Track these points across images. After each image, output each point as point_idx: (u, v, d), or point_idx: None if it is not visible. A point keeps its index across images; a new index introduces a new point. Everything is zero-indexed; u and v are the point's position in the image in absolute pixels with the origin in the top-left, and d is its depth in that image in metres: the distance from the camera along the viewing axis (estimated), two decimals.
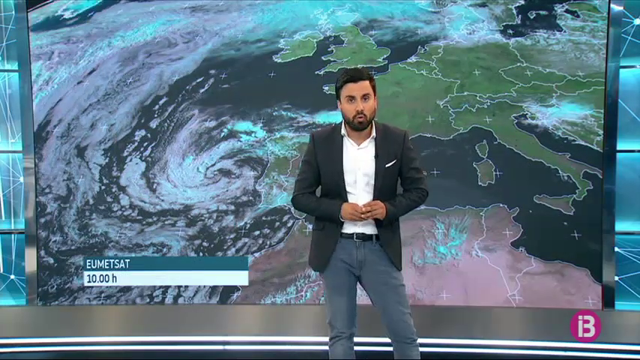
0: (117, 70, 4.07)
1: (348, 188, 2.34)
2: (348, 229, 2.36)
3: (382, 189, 2.33)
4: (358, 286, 2.43)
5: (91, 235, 3.92)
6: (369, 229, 2.35)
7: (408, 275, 3.70)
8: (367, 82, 2.33)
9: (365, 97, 2.32)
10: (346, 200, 2.33)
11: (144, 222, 3.91)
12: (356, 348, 2.39)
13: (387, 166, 2.33)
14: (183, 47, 4.07)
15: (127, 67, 4.07)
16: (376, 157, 2.33)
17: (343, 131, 2.40)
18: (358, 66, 3.09)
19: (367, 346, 3.42)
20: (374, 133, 2.37)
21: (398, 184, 2.43)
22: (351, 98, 2.32)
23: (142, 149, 3.97)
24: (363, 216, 2.26)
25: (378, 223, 2.34)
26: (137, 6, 4.14)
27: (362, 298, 2.48)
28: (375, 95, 2.36)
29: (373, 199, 2.31)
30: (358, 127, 2.32)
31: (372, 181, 2.33)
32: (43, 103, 4.05)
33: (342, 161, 2.35)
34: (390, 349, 2.37)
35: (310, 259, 2.49)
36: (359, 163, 2.34)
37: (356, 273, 2.38)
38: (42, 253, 3.93)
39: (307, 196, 2.44)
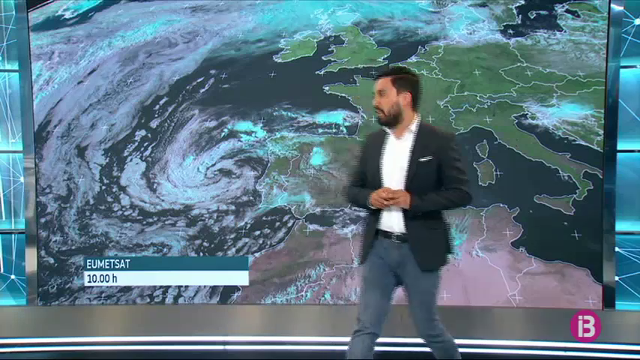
0: (117, 70, 4.07)
1: (384, 181, 2.38)
2: (385, 225, 2.40)
3: (413, 182, 2.34)
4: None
5: (92, 235, 3.93)
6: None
7: None
8: (385, 79, 2.43)
9: (381, 92, 2.42)
10: None
11: (144, 222, 3.91)
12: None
13: (420, 160, 2.36)
14: (184, 47, 4.07)
15: (127, 67, 4.07)
16: (411, 150, 2.38)
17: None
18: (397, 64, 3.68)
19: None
20: (413, 128, 2.42)
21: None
22: (374, 94, 2.46)
23: (142, 149, 3.97)
24: (385, 203, 2.30)
25: (406, 219, 2.36)
26: (137, 6, 4.14)
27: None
28: (397, 91, 2.40)
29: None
30: (378, 121, 2.45)
31: (405, 174, 2.37)
32: (43, 103, 4.05)
33: (381, 155, 2.44)
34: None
35: (359, 253, 2.54)
36: (397, 156, 2.40)
37: (396, 273, 2.40)
38: (42, 253, 3.93)
39: (352, 187, 2.55)
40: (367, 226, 2.49)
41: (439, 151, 2.37)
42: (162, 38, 4.10)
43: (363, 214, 3.48)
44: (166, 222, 3.89)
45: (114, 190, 3.95)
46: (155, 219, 3.90)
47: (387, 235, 2.39)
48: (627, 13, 3.72)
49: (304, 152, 3.85)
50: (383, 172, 2.40)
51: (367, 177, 2.50)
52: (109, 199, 3.95)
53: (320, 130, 3.86)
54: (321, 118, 3.88)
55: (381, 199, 2.31)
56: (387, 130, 2.47)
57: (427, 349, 3.62)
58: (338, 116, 3.86)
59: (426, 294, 2.37)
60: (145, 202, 3.92)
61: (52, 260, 3.93)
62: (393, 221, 2.38)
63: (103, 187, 3.96)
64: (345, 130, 3.84)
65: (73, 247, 3.93)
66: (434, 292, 2.39)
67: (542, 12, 3.84)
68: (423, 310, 2.37)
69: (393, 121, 2.42)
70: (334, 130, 3.85)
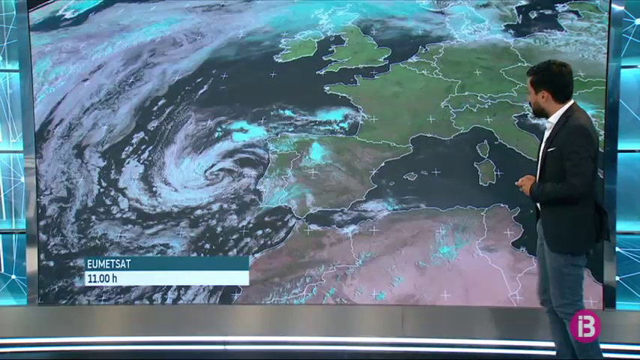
0: (118, 70, 4.07)
1: (539, 168, 2.78)
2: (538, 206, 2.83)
3: (544, 170, 2.69)
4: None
5: (92, 235, 3.91)
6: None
7: (409, 275, 3.70)
8: (528, 79, 2.76)
9: (528, 90, 2.78)
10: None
11: (144, 224, 3.90)
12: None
13: (548, 150, 2.66)
14: (185, 47, 4.07)
15: (127, 68, 4.07)
16: (546, 140, 2.70)
17: None
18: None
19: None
20: (552, 119, 2.69)
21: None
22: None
23: (142, 150, 3.96)
24: (521, 189, 2.79)
25: (539, 204, 2.78)
26: (137, 7, 4.14)
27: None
28: (536, 91, 2.71)
29: (537, 180, 2.73)
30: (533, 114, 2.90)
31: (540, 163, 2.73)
32: (43, 103, 4.05)
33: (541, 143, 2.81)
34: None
35: None
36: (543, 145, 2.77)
37: (544, 245, 2.78)
38: (43, 253, 3.92)
39: None
40: None
41: (561, 143, 2.59)
42: (162, 39, 4.09)
43: (364, 213, 3.79)
44: (167, 223, 3.89)
45: (113, 192, 3.94)
46: (156, 221, 3.89)
47: (538, 215, 2.83)
48: (628, 13, 3.72)
49: (305, 152, 3.85)
50: (539, 159, 2.76)
51: None
52: (110, 201, 3.94)
53: (320, 130, 3.86)
54: (322, 117, 3.88)
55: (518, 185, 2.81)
56: None
57: (428, 349, 3.65)
58: (338, 116, 3.86)
59: (553, 271, 2.69)
60: (146, 204, 3.91)
61: (52, 260, 3.92)
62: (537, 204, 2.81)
63: (103, 189, 3.95)
64: (345, 130, 3.84)
65: (74, 248, 3.92)
66: (562, 272, 2.66)
67: (542, 12, 3.84)
68: (552, 284, 2.72)
69: (541, 114, 2.75)
70: (335, 130, 3.85)
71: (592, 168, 2.57)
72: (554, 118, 2.68)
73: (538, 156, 2.81)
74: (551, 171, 2.65)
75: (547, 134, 2.73)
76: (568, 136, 2.57)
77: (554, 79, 2.66)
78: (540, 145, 2.81)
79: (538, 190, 2.68)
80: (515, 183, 2.83)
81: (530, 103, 2.87)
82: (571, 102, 2.69)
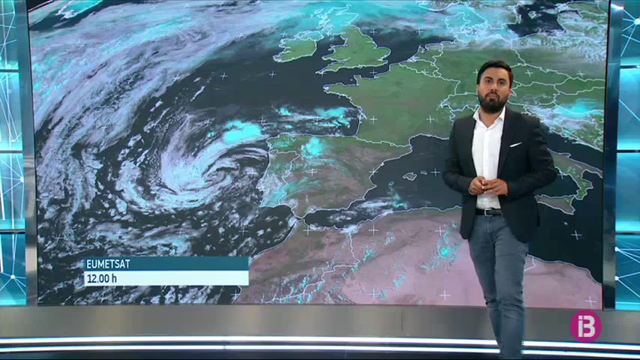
0: (118, 70, 4.07)
1: (477, 168, 2.73)
2: (481, 204, 2.75)
3: (506, 167, 2.66)
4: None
5: (93, 235, 3.92)
6: (497, 205, 2.71)
7: (409, 275, 3.71)
8: (505, 70, 2.73)
9: (501, 81, 2.72)
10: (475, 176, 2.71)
11: (143, 226, 3.89)
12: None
13: (511, 146, 2.65)
14: (185, 47, 4.07)
15: (127, 69, 4.06)
16: (502, 137, 2.68)
17: (476, 115, 2.81)
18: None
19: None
20: (502, 116, 2.73)
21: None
22: (489, 79, 2.73)
23: (141, 151, 3.97)
24: (483, 188, 2.64)
25: (502, 199, 2.68)
26: (136, 7, 4.13)
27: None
28: (510, 84, 2.75)
29: (497, 177, 2.66)
30: (489, 104, 2.72)
31: (497, 160, 2.67)
32: (42, 104, 4.04)
33: (471, 142, 2.75)
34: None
35: (460, 229, 2.93)
36: (486, 143, 2.72)
37: (490, 243, 2.77)
38: (42, 253, 3.93)
39: (450, 174, 2.88)
40: (466, 206, 2.84)
41: (527, 136, 2.65)
42: (162, 39, 4.09)
43: (364, 213, 3.59)
44: (168, 224, 3.88)
45: (112, 194, 3.94)
46: (156, 222, 3.89)
47: (480, 212, 2.75)
48: (627, 13, 3.72)
49: (304, 152, 3.85)
50: (475, 159, 2.73)
51: (460, 162, 2.82)
52: (109, 201, 3.94)
53: (320, 130, 3.86)
54: (321, 117, 3.88)
55: (479, 186, 2.65)
56: (475, 118, 2.79)
57: (428, 349, 3.65)
58: (338, 116, 3.86)
59: (512, 259, 2.68)
60: (146, 205, 3.91)
61: (52, 260, 3.92)
62: (484, 201, 2.73)
63: (102, 190, 3.95)
64: (345, 130, 3.84)
65: (73, 248, 3.92)
66: (521, 259, 2.71)
67: (542, 12, 3.84)
68: (508, 273, 2.66)
69: (499, 108, 2.73)
70: (334, 130, 3.85)
71: None
72: (502, 115, 2.75)
73: (469, 156, 2.76)
74: (517, 165, 2.69)
75: (498, 132, 2.70)
76: (533, 129, 2.69)
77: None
78: (470, 147, 2.76)
79: (516, 186, 2.65)
80: (486, 187, 2.64)
81: (495, 92, 2.70)
82: None
